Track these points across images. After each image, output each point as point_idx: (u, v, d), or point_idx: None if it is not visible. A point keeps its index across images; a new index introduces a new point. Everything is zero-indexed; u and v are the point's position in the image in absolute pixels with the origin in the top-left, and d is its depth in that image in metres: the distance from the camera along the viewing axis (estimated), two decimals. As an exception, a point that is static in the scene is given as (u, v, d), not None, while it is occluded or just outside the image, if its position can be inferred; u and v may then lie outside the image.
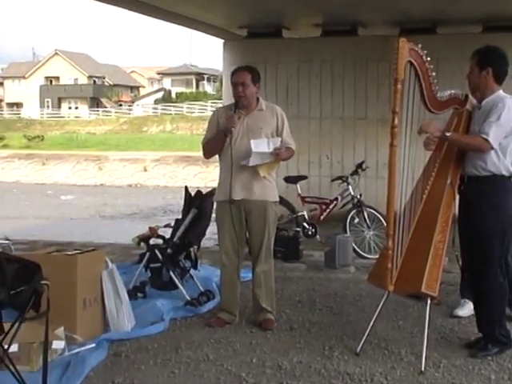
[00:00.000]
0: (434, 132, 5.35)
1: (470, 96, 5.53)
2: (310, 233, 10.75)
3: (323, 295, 7.22)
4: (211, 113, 6.71)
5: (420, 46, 5.06)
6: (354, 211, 10.46)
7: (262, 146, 5.82)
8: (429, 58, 5.12)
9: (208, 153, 6.21)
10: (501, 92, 5.37)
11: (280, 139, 5.94)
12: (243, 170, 5.88)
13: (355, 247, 9.75)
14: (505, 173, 5.26)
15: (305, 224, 10.80)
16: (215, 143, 6.02)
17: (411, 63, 5.02)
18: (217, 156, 6.16)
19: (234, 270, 6.16)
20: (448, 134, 5.33)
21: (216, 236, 6.29)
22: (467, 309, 6.19)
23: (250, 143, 5.77)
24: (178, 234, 6.79)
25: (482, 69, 5.33)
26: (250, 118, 5.99)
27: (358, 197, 10.59)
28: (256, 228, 6.05)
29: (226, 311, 6.20)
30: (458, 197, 5.49)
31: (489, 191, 5.26)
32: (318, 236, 10.72)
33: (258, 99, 6.08)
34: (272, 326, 6.06)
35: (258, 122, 5.98)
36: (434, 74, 5.18)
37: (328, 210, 10.94)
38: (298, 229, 10.59)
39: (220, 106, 6.70)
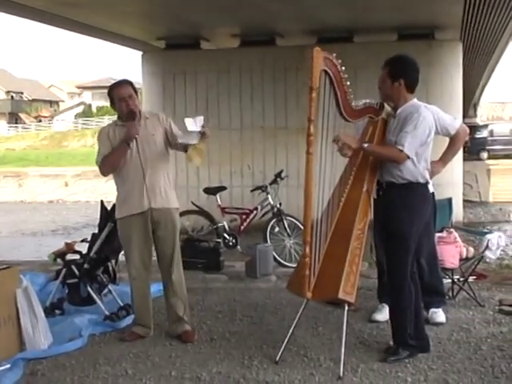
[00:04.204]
0: (351, 144, 5.36)
1: (386, 104, 5.58)
2: (230, 243, 10.80)
3: (244, 305, 7.20)
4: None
5: (335, 54, 5.09)
6: (274, 220, 10.53)
7: (192, 125, 5.78)
8: (344, 68, 5.15)
9: (109, 168, 6.05)
10: (415, 100, 5.43)
11: (202, 117, 5.90)
12: (148, 179, 5.88)
13: (276, 256, 9.79)
14: (421, 180, 5.34)
15: (225, 235, 10.85)
16: (118, 156, 5.91)
17: (326, 72, 5.05)
18: None
19: (145, 283, 6.12)
20: (365, 146, 5.37)
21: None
22: (385, 313, 6.25)
23: (185, 122, 5.75)
24: (95, 248, 6.70)
25: (394, 80, 5.35)
26: (140, 128, 5.95)
27: (278, 206, 10.67)
28: (166, 236, 6.02)
29: (140, 325, 6.14)
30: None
31: (406, 197, 5.32)
32: (238, 246, 10.77)
33: (139, 110, 6.11)
34: (193, 338, 6.01)
35: (148, 130, 5.99)
36: (348, 83, 5.22)
37: (248, 220, 11.00)
38: (218, 240, 10.62)
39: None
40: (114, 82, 6.35)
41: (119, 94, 5.97)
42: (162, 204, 5.96)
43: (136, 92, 6.03)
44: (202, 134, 5.83)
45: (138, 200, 5.91)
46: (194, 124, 5.80)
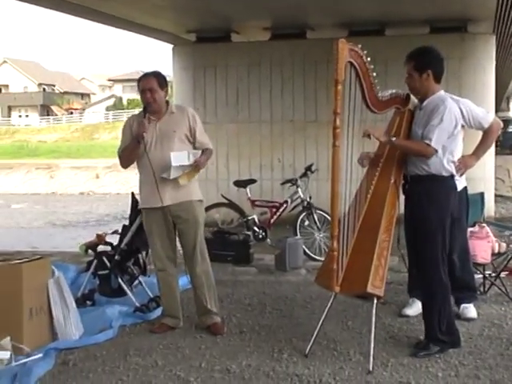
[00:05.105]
0: (379, 136, 5.35)
1: (412, 95, 5.56)
2: (260, 236, 10.79)
3: (273, 298, 7.21)
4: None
5: (360, 46, 5.08)
6: (304, 214, 10.50)
7: (182, 159, 5.80)
8: (369, 59, 5.13)
9: (125, 162, 6.13)
10: (442, 92, 5.41)
11: (200, 151, 5.96)
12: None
13: (306, 249, 9.78)
14: (444, 173, 5.31)
15: (255, 227, 10.84)
16: (130, 151, 5.96)
17: (351, 64, 5.03)
18: None
19: (170, 274, 6.14)
20: (393, 139, 5.35)
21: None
22: (415, 308, 6.24)
23: (170, 156, 5.75)
24: (125, 240, 6.75)
25: (421, 72, 5.34)
26: (162, 122, 5.97)
27: (308, 199, 10.64)
28: (187, 230, 6.03)
29: (169, 316, 6.17)
30: (403, 196, 5.54)
31: (431, 189, 5.30)
32: (268, 239, 10.76)
33: (167, 103, 6.08)
34: (222, 330, 6.03)
35: (171, 126, 5.97)
36: (375, 74, 5.20)
37: (278, 213, 10.98)
38: (248, 232, 10.61)
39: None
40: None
41: (142, 85, 5.98)
42: (181, 198, 5.95)
43: (161, 85, 5.97)
44: (196, 166, 5.88)
45: (151, 195, 5.94)
46: (185, 158, 5.82)
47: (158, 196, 5.87)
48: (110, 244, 6.96)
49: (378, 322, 5.37)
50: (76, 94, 78.56)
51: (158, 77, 6.02)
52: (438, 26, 15.58)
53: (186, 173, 5.88)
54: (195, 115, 6.12)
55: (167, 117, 6.01)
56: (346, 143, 5.12)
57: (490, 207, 15.22)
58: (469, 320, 6.11)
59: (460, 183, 5.78)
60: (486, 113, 6.13)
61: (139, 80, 6.05)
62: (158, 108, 5.96)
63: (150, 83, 5.94)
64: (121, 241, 6.82)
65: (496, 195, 18.29)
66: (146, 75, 6.07)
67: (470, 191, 6.35)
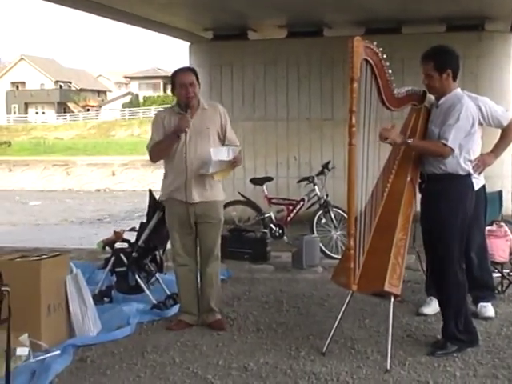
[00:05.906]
0: (395, 139, 5.32)
1: (428, 93, 5.54)
2: (277, 234, 10.78)
3: (290, 296, 7.21)
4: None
5: (375, 43, 5.06)
6: (321, 212, 10.46)
7: (221, 154, 5.84)
8: (385, 56, 5.12)
9: (157, 156, 6.14)
10: (458, 90, 5.39)
11: (239, 148, 6.00)
12: (196, 172, 5.89)
13: (322, 247, 9.76)
14: (461, 172, 5.29)
15: (272, 225, 10.84)
16: (167, 145, 5.95)
17: (367, 61, 5.01)
18: None
19: (190, 270, 6.15)
20: (409, 141, 5.32)
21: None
22: (433, 306, 6.22)
23: (208, 151, 5.78)
24: (143, 237, 6.77)
25: (441, 72, 5.30)
26: (195, 118, 5.96)
27: (325, 197, 10.61)
28: (209, 229, 6.05)
29: (187, 313, 6.18)
30: (419, 195, 5.52)
31: (448, 188, 5.29)
32: (285, 237, 10.76)
33: (198, 99, 6.09)
34: (224, 325, 6.09)
35: (204, 122, 5.99)
36: (390, 71, 5.18)
37: (295, 211, 10.96)
38: (265, 230, 10.60)
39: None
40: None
41: (181, 80, 5.97)
42: (206, 197, 5.97)
43: (198, 80, 6.01)
44: (233, 163, 5.91)
45: (180, 191, 5.95)
46: (225, 153, 5.86)
47: (183, 191, 5.90)
48: (128, 241, 6.99)
49: (395, 320, 5.35)
50: (92, 91, 78.70)
51: (195, 72, 6.07)
52: (455, 24, 15.49)
53: (222, 171, 5.92)
54: (225, 112, 6.15)
55: (200, 112, 6.02)
56: (361, 141, 5.11)
57: (508, 206, 15.14)
58: (487, 319, 6.09)
59: (478, 181, 5.76)
60: (504, 111, 6.11)
61: (176, 74, 6.04)
62: (195, 103, 5.98)
63: (191, 78, 5.97)
64: (138, 238, 6.84)
65: (513, 194, 18.16)
66: (184, 70, 6.11)
67: (488, 189, 6.32)
